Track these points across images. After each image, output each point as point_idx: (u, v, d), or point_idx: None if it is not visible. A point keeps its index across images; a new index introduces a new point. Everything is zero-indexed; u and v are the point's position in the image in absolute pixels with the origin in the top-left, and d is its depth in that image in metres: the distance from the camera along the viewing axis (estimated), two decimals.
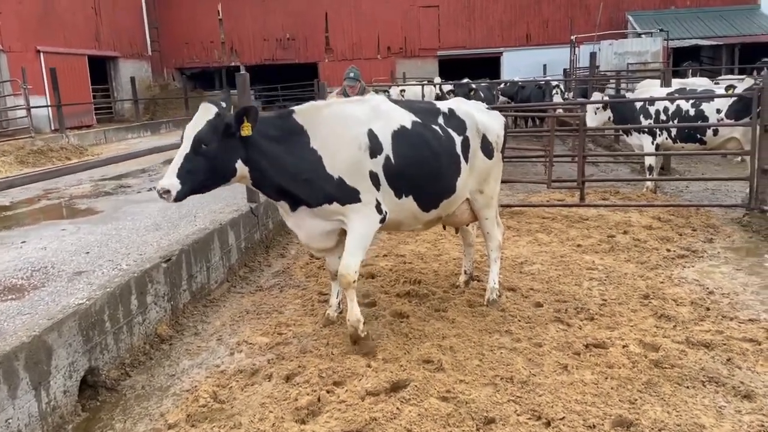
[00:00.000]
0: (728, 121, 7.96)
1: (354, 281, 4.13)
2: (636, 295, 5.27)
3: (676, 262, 6.19)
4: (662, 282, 5.61)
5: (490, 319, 4.75)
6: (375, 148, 4.13)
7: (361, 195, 4.11)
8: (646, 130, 8.84)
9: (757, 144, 7.42)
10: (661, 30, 25.14)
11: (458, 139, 4.62)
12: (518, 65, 30.29)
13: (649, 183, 9.17)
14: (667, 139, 8.84)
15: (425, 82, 17.05)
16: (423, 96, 16.27)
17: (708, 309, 4.92)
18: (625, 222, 7.71)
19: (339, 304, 4.81)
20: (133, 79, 24.91)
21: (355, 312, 4.17)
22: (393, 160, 4.18)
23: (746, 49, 26.57)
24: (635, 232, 7.27)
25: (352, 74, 8.11)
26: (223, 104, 3.92)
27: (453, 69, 29.81)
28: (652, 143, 8.87)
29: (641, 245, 6.77)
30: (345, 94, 8.05)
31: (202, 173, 3.77)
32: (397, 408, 3.44)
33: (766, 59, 23.39)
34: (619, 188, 9.49)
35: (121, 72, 27.64)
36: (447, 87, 15.18)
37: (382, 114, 4.30)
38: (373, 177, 4.15)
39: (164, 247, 5.32)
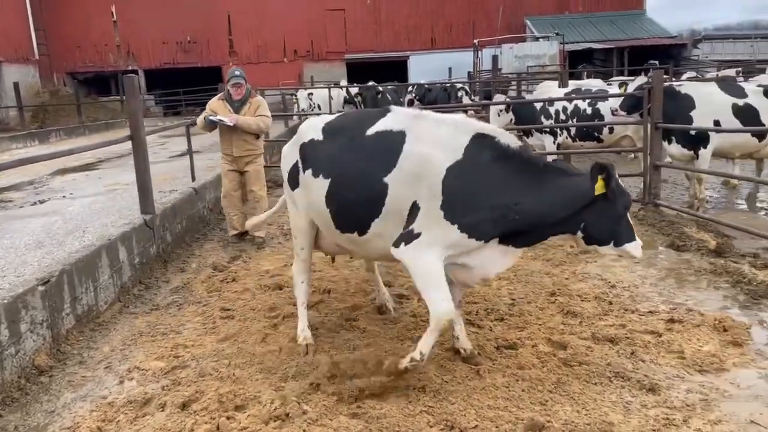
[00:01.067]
0: (622, 118, 8.30)
1: None
2: (543, 292, 5.32)
3: (580, 258, 6.33)
4: (567, 278, 5.71)
5: (401, 326, 4.63)
6: None
7: None
8: (548, 129, 9.08)
9: (649, 141, 7.79)
10: (557, 34, 26.31)
11: None
12: (425, 68, 30.81)
13: None
14: (567, 138, 9.12)
15: (332, 85, 16.87)
16: (330, 99, 16.10)
17: (611, 303, 5.03)
18: None
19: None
20: (16, 85, 23.11)
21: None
22: None
23: (634, 52, 28.31)
24: None
25: (237, 72, 7.08)
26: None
27: (361, 72, 29.87)
28: (554, 143, 9.12)
29: (547, 243, 6.88)
30: (228, 98, 7.11)
31: None
32: (304, 430, 3.22)
33: (653, 61, 25.00)
34: None
35: (4, 77, 25.63)
36: (354, 90, 15.06)
37: None
38: None
39: (45, 268, 4.81)
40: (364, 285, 5.54)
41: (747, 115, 7.76)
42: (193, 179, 8.45)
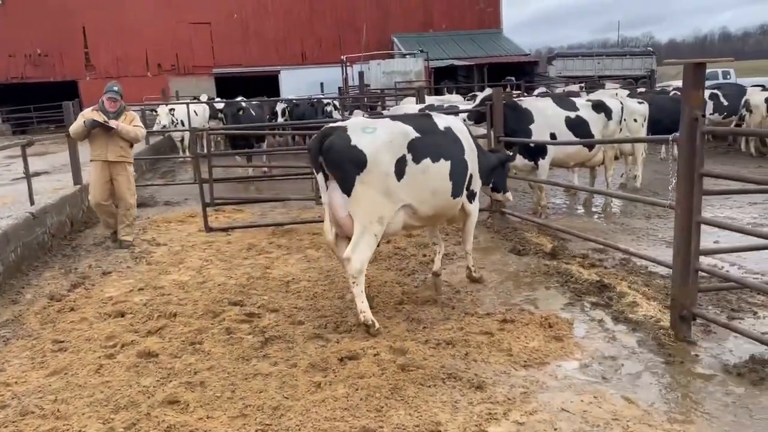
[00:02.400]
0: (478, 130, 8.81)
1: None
2: (392, 301, 5.51)
3: (431, 267, 6.62)
4: (416, 287, 5.96)
5: (247, 345, 4.59)
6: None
7: None
8: None
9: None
10: (422, 51, 27.39)
11: None
12: (297, 83, 30.84)
13: None
14: None
15: (190, 101, 16.38)
16: (190, 115, 15.63)
17: (453, 308, 5.32)
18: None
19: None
20: None
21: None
22: None
23: (493, 69, 30.12)
24: (396, 240, 7.66)
25: (115, 88, 7.68)
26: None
27: (231, 87, 29.28)
28: None
29: (401, 253, 7.15)
30: (103, 110, 7.55)
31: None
32: None
33: (509, 77, 26.77)
34: None
35: None
36: (219, 105, 14.74)
37: None
38: None
39: None
40: (213, 306, 5.43)
41: (578, 127, 8.54)
42: (32, 203, 7.84)
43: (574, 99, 9.17)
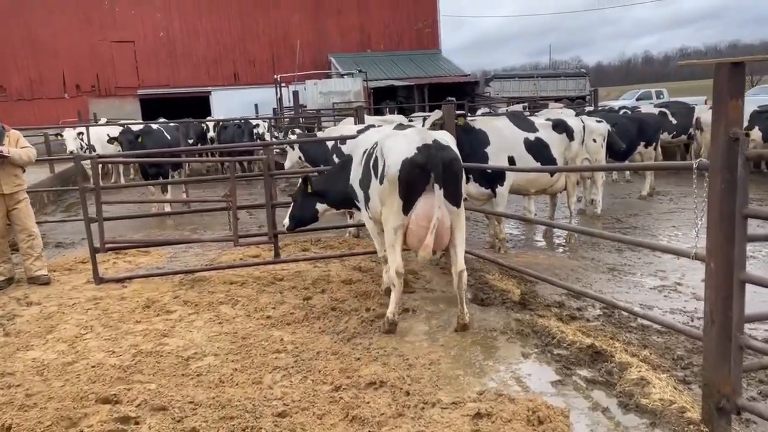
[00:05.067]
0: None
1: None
2: (327, 387, 4.10)
3: (376, 325, 5.26)
4: (358, 359, 4.57)
5: None
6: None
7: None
8: None
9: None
10: (360, 71, 26.31)
11: (372, 158, 5.22)
12: (230, 104, 29.16)
13: (351, 228, 8.46)
14: None
15: (92, 124, 14.56)
16: (82, 138, 13.80)
17: (408, 394, 3.96)
18: (324, 278, 6.72)
19: None
20: None
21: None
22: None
23: (433, 89, 29.39)
24: (333, 289, 6.29)
25: None
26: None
27: (158, 108, 27.34)
28: None
29: (339, 307, 5.76)
30: None
31: (299, 216, 6.25)
32: None
33: (450, 98, 25.98)
34: (320, 237, 8.59)
35: None
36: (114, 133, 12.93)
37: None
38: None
39: None
40: (73, 407, 3.86)
41: (539, 149, 7.45)
42: None
43: (532, 118, 8.09)
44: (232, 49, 31.29)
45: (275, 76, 23.87)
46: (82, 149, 14.74)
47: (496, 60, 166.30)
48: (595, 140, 9.28)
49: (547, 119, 8.02)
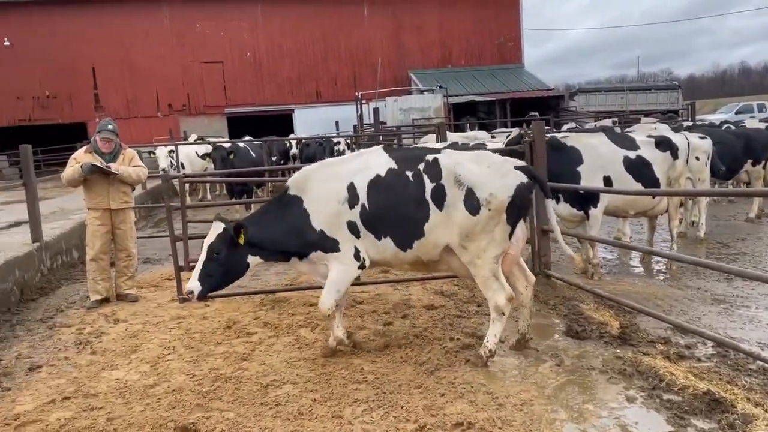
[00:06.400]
0: None
1: (329, 315, 4.84)
2: (411, 426, 3.82)
3: (461, 357, 4.94)
4: (443, 394, 4.26)
5: None
6: (353, 200, 4.68)
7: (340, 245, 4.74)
8: None
9: (534, 203, 6.69)
10: (441, 87, 26.11)
11: (429, 186, 4.65)
12: (311, 122, 29.73)
13: None
14: None
15: (183, 142, 15.07)
16: (173, 156, 14.28)
17: None
18: (405, 302, 6.47)
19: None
20: None
21: (337, 333, 4.99)
22: (368, 207, 4.68)
23: (516, 104, 28.76)
24: (415, 314, 6.03)
25: (110, 126, 6.93)
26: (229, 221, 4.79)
27: (243, 126, 28.24)
28: None
29: (422, 335, 5.48)
30: (97, 151, 6.85)
31: (219, 275, 4.73)
32: None
33: (533, 112, 25.32)
34: None
35: None
36: (202, 150, 13.34)
37: (363, 167, 4.77)
38: (352, 226, 4.71)
39: None
40: None
41: (640, 169, 6.91)
42: None
43: (632, 135, 7.54)
44: (315, 67, 31.94)
45: (356, 94, 24.04)
46: (172, 167, 15.29)
47: (580, 73, 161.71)
48: (698, 158, 8.57)
49: (649, 136, 7.45)
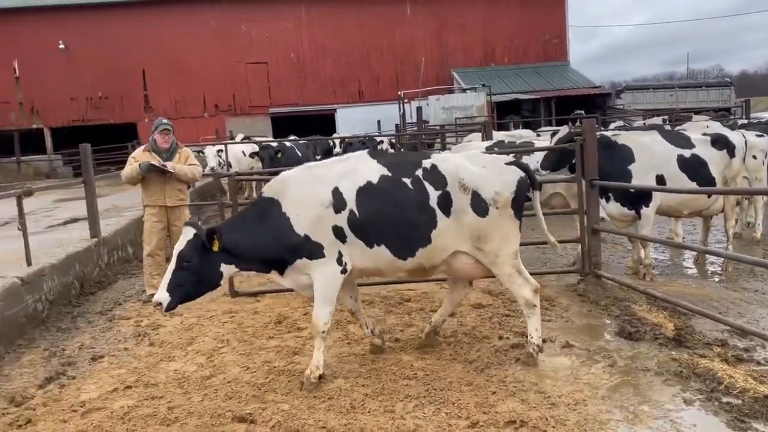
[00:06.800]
0: (551, 176, 7.15)
1: (323, 331, 4.55)
2: (463, 423, 3.84)
3: (511, 356, 4.93)
4: (494, 393, 4.26)
5: None
6: (339, 205, 4.46)
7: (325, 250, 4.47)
8: None
9: (585, 201, 6.62)
10: (484, 85, 25.90)
11: (434, 194, 4.56)
12: (353, 121, 29.89)
13: None
14: None
15: (237, 140, 15.36)
16: (226, 156, 14.58)
17: None
18: None
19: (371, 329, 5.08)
20: None
21: (317, 359, 4.54)
22: (358, 214, 4.46)
23: (561, 102, 28.30)
24: (463, 313, 6.02)
25: (165, 120, 7.26)
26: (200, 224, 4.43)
27: (287, 126, 28.61)
28: None
29: (470, 333, 5.49)
30: (156, 149, 7.11)
31: (190, 285, 4.31)
32: None
33: (579, 111, 24.87)
34: None
35: None
36: (249, 149, 13.58)
37: (351, 171, 4.57)
38: (338, 231, 4.47)
39: None
40: (212, 423, 3.91)
41: (695, 168, 6.74)
42: (29, 263, 6.62)
43: (687, 133, 7.37)
44: (357, 67, 32.11)
45: (399, 93, 24.07)
46: (220, 166, 15.61)
47: (625, 71, 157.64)
48: (755, 156, 8.30)
49: (704, 134, 7.26)
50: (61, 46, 29.49)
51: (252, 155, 11.84)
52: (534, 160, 7.84)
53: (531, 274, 7.19)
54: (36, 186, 8.87)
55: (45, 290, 6.44)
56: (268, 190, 4.66)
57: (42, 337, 5.96)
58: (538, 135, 14.04)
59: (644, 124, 18.99)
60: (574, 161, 6.88)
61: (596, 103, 28.59)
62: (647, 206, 6.86)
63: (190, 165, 7.28)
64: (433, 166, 4.66)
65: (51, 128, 30.12)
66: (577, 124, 16.57)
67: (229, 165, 15.76)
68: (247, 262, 4.53)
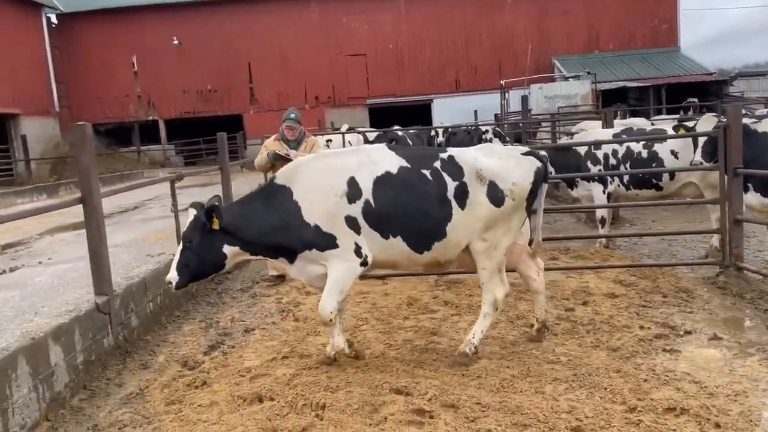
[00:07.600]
0: (697, 164, 6.89)
1: (330, 320, 4.50)
2: (618, 407, 3.86)
3: (656, 346, 4.87)
4: (646, 380, 4.23)
5: None
6: (354, 195, 4.40)
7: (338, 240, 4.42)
8: (596, 177, 7.71)
9: (727, 191, 6.36)
10: (588, 73, 25.10)
11: (452, 185, 4.53)
12: (449, 111, 29.84)
13: (602, 238, 8.02)
14: (619, 186, 7.74)
15: (343, 131, 15.77)
16: (345, 145, 15.02)
17: (719, 426, 3.56)
18: (583, 289, 6.42)
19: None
20: (24, 138, 22.71)
21: (337, 342, 4.65)
22: (374, 204, 4.41)
23: (672, 89, 26.93)
24: (597, 302, 5.97)
25: (293, 115, 7.43)
26: (205, 204, 4.44)
27: (384, 117, 29.02)
28: (604, 192, 7.74)
29: (608, 322, 5.44)
30: (284, 139, 7.36)
31: (195, 264, 4.41)
32: None
33: (692, 99, 23.57)
34: (568, 246, 8.25)
35: (22, 130, 25.24)
36: (372, 135, 13.94)
37: (368, 161, 4.52)
38: (351, 221, 4.40)
39: None
40: (371, 393, 4.14)
41: None
42: (179, 243, 7.19)
43: None
44: (456, 57, 32.00)
45: (501, 82, 23.79)
46: None
47: (733, 56, 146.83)
48: None
49: None
50: (175, 41, 31.35)
51: (375, 140, 12.15)
52: (666, 150, 7.60)
53: (663, 266, 7.07)
54: (186, 171, 9.59)
55: None
56: (280, 176, 4.57)
57: (195, 310, 6.49)
58: (653, 124, 13.49)
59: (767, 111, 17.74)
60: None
61: (710, 91, 26.96)
62: None
63: (314, 153, 7.60)
64: (451, 157, 4.63)
65: (165, 120, 32.13)
66: (700, 112, 15.68)
67: None
68: (251, 246, 4.49)
